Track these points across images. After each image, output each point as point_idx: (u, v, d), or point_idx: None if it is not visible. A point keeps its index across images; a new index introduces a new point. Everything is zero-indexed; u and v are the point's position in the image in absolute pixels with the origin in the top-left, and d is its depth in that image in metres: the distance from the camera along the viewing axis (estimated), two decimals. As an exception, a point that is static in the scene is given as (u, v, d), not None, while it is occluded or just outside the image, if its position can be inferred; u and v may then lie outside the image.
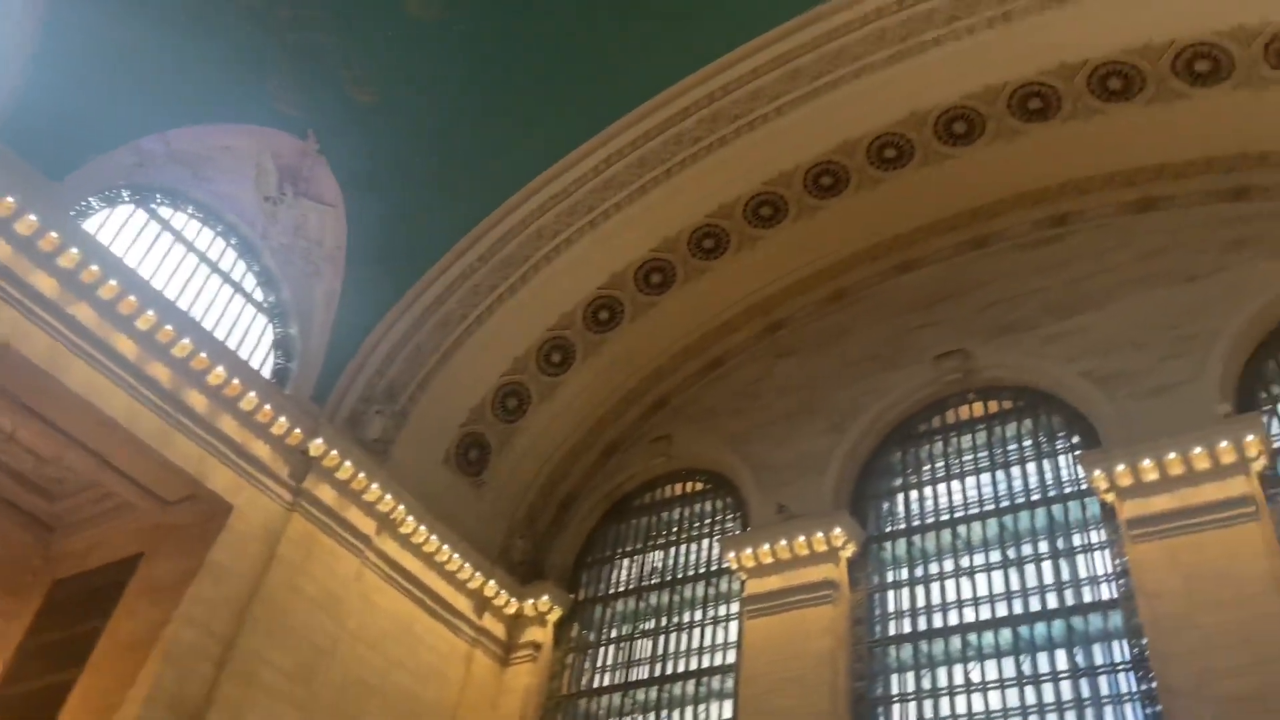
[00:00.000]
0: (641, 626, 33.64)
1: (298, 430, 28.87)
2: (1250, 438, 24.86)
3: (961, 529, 29.50)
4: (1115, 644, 25.25)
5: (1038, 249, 32.82)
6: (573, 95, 29.89)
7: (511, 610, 34.91)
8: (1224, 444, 24.96)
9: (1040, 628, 26.52)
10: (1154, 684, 23.64)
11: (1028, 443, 30.16)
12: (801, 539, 30.29)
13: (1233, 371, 26.88)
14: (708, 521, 35.09)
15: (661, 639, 32.79)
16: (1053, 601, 26.72)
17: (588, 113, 30.58)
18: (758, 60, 29.48)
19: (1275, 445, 25.36)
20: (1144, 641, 24.33)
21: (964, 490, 30.31)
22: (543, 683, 33.79)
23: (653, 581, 34.52)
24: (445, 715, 31.45)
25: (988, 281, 33.14)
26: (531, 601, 34.86)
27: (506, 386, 35.17)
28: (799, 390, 34.81)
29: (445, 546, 32.55)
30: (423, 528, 31.91)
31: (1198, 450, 25.20)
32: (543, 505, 37.14)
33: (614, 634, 34.18)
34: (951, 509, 30.13)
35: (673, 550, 35.03)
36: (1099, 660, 25.34)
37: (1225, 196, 29.74)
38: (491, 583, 34.18)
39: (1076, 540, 27.44)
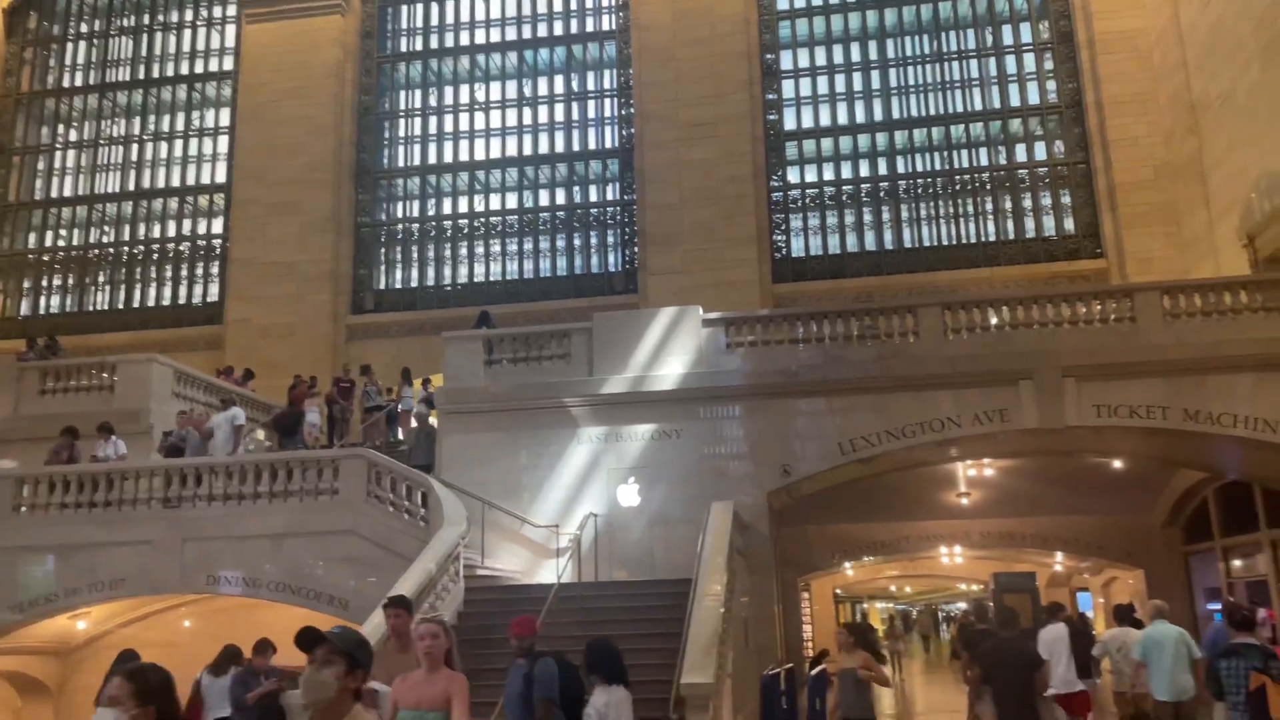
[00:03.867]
0: (120, 23, 29.52)
1: None
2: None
3: (481, -51, 28.65)
4: (607, 73, 27.49)
5: None
6: None
7: (-59, -10, 28.50)
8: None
9: (544, 53, 27.82)
10: (633, 109, 26.56)
11: None
12: (310, -61, 27.50)
13: None
14: (198, -91, 30.10)
15: (145, 38, 29.24)
16: (558, 29, 27.85)
17: None
18: None
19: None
20: (630, 71, 26.73)
21: (486, -98, 28.89)
22: (-5, 79, 29.18)
23: (132, -28, 29.83)
24: None
25: None
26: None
27: None
28: None
29: None
30: None
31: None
32: None
33: (85, 29, 29.73)
34: (471, -77, 28.87)
35: (155, -61, 30.02)
36: (591, 86, 27.61)
37: None
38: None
39: (587, -30, 28.06)
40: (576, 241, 26.26)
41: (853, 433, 15.64)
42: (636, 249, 25.42)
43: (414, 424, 18.26)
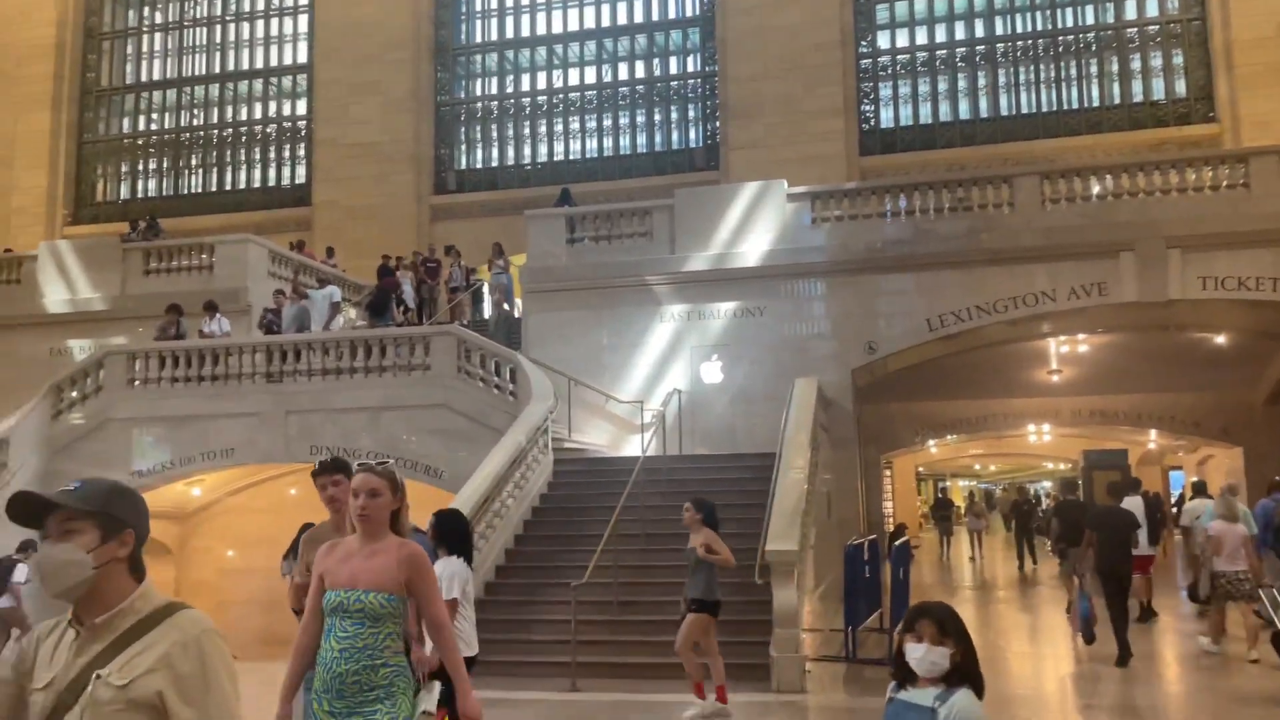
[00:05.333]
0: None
1: None
2: None
3: None
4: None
5: None
6: None
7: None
8: None
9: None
10: None
11: None
12: None
13: None
14: None
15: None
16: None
17: None
18: None
19: None
20: (713, -64, 25.55)
21: None
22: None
23: None
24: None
25: None
26: None
27: None
28: None
29: None
30: None
31: None
32: None
33: None
34: None
35: None
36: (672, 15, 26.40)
37: None
38: None
39: None
40: (656, 117, 25.76)
41: (941, 308, 15.35)
42: (717, 123, 24.83)
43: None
